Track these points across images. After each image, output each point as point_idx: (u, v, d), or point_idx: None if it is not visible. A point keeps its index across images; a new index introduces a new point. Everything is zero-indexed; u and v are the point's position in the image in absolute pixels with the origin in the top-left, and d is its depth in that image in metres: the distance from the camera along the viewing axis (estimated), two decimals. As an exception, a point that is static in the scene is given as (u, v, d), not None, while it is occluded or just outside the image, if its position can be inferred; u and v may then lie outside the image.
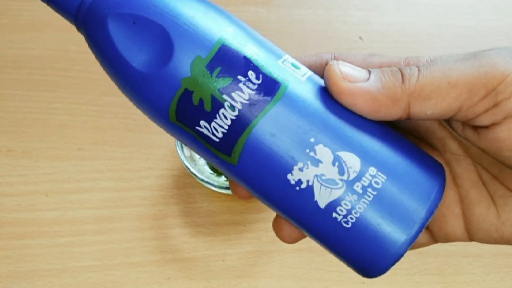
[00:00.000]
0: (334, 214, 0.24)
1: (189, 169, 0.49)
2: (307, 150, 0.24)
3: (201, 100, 0.24)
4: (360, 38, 0.64)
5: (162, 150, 0.55)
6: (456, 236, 0.28)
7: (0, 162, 0.54)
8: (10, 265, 0.49)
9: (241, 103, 0.24)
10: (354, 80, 0.24)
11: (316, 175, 0.24)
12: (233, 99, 0.24)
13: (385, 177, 0.24)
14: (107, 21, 0.25)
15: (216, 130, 0.25)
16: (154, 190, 0.53)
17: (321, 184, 0.24)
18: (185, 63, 0.24)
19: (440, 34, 0.65)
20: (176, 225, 0.51)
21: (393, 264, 0.25)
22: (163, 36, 0.24)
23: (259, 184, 0.25)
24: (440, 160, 0.29)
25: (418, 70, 0.24)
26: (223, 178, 0.51)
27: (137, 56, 0.25)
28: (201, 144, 0.26)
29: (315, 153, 0.24)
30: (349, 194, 0.24)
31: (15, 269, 0.49)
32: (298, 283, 0.49)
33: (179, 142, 0.50)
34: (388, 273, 0.52)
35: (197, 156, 0.52)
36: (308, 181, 0.24)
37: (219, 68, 0.24)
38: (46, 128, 0.56)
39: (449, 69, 0.24)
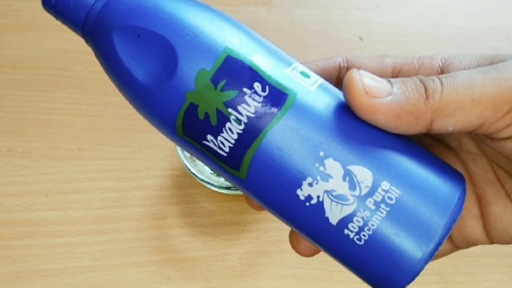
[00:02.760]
0: (346, 231, 0.24)
1: (189, 169, 0.49)
2: (317, 165, 0.23)
3: (206, 114, 0.24)
4: (360, 38, 0.64)
5: (162, 150, 0.55)
6: (476, 238, 0.28)
7: (0, 162, 0.54)
8: (10, 265, 0.49)
9: (247, 116, 0.24)
10: (378, 95, 0.23)
11: (326, 191, 0.24)
12: (239, 113, 0.24)
13: (399, 192, 0.23)
14: (112, 34, 0.25)
15: (223, 144, 0.24)
16: (154, 190, 0.53)
17: (332, 200, 0.24)
18: (189, 76, 0.24)
19: (440, 34, 0.65)
20: (176, 225, 0.51)
21: (410, 281, 0.24)
22: (167, 48, 0.24)
23: (269, 199, 0.25)
24: (456, 160, 0.28)
25: (442, 84, 0.23)
26: (223, 178, 0.51)
27: (142, 70, 0.24)
28: (210, 158, 0.25)
29: (324, 168, 0.23)
30: (361, 210, 0.23)
31: (15, 269, 0.49)
32: (298, 283, 0.49)
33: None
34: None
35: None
36: (318, 196, 0.24)
37: (224, 81, 0.24)
38: (46, 128, 0.56)
39: (472, 84, 0.23)
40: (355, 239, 0.24)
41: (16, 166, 0.54)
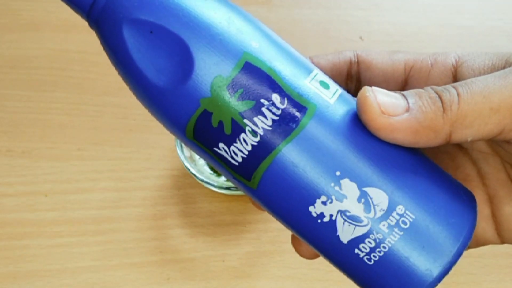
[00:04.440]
0: (357, 251, 0.23)
1: (189, 170, 0.48)
2: (332, 184, 0.23)
3: (220, 123, 0.23)
4: (361, 38, 0.64)
5: (162, 150, 0.55)
6: (487, 239, 0.28)
7: None
8: (10, 266, 0.49)
9: (263, 129, 0.23)
10: (394, 113, 0.22)
11: (340, 211, 0.23)
12: (255, 124, 0.23)
13: (413, 217, 0.23)
14: (123, 27, 0.23)
15: (236, 154, 0.23)
16: (154, 190, 0.53)
17: (345, 220, 0.23)
18: (205, 82, 0.23)
19: (440, 33, 0.65)
20: (176, 225, 0.51)
21: None
22: (182, 50, 0.23)
23: (279, 211, 0.24)
24: (468, 159, 0.28)
25: (458, 94, 0.23)
26: (223, 178, 0.51)
27: (153, 68, 0.23)
28: (220, 164, 0.24)
29: (340, 188, 0.23)
30: (374, 232, 0.23)
31: (14, 269, 0.48)
32: (298, 283, 0.49)
33: (179, 142, 0.50)
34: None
35: (197, 156, 0.52)
36: (331, 215, 0.23)
37: (241, 90, 0.23)
38: (45, 128, 0.56)
39: (489, 92, 0.22)
40: (365, 258, 0.23)
41: (15, 166, 0.54)
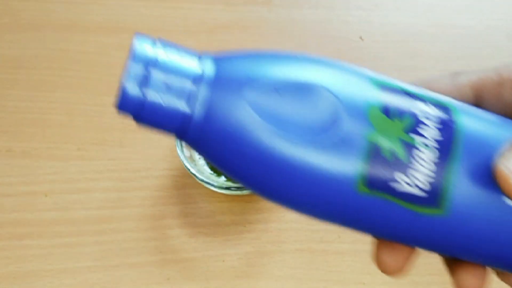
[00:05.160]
0: None
1: (189, 170, 0.48)
2: None
3: (392, 152, 0.21)
4: (361, 38, 0.64)
5: (162, 150, 0.55)
6: None
7: None
8: (10, 266, 0.49)
9: (433, 138, 0.22)
10: None
11: None
12: (424, 136, 0.22)
13: None
14: (243, 101, 0.21)
15: (417, 178, 0.21)
16: (154, 190, 0.53)
17: None
18: (361, 116, 0.21)
19: (441, 34, 0.65)
20: (176, 225, 0.51)
21: None
22: (320, 94, 0.21)
23: (475, 227, 0.22)
24: None
25: None
26: (223, 178, 0.51)
27: (297, 128, 0.21)
28: (398, 208, 0.22)
29: None
30: None
31: (14, 269, 0.48)
32: (298, 283, 0.49)
33: (179, 142, 0.50)
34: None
35: (197, 156, 0.52)
36: None
37: (393, 109, 0.21)
38: (45, 128, 0.56)
39: None
40: None
41: (15, 166, 0.54)
